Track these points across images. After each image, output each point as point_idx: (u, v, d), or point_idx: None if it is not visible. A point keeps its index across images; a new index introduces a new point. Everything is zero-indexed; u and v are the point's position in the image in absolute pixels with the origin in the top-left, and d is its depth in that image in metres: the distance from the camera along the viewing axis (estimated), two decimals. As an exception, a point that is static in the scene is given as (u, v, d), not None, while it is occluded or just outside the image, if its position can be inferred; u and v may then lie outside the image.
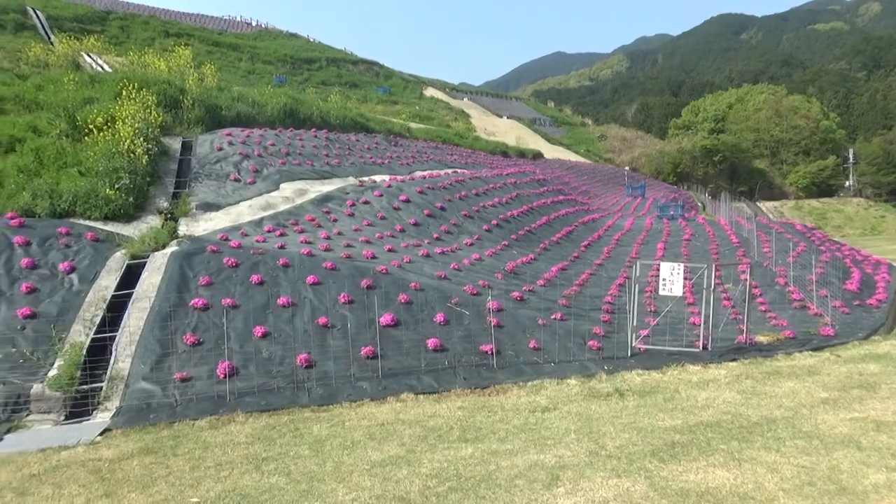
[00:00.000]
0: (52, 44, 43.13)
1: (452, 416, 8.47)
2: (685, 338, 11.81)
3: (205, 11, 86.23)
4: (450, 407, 8.87)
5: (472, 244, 17.82)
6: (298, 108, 30.11)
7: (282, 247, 14.09)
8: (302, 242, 14.84)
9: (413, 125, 43.95)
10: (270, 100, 29.35)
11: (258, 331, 10.80)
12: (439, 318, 11.60)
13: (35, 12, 56.78)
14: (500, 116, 78.98)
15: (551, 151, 62.31)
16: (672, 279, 11.52)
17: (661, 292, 11.88)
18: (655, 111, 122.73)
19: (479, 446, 7.30)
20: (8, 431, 8.55)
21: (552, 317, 12.39)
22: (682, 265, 11.80)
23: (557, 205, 27.65)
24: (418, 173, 24.91)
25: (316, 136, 26.60)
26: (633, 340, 11.31)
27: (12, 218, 13.74)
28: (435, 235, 17.89)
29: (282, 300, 11.70)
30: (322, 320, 11.25)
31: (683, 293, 12.36)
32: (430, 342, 10.80)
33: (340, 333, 11.01)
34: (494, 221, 20.56)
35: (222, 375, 9.69)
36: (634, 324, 11.41)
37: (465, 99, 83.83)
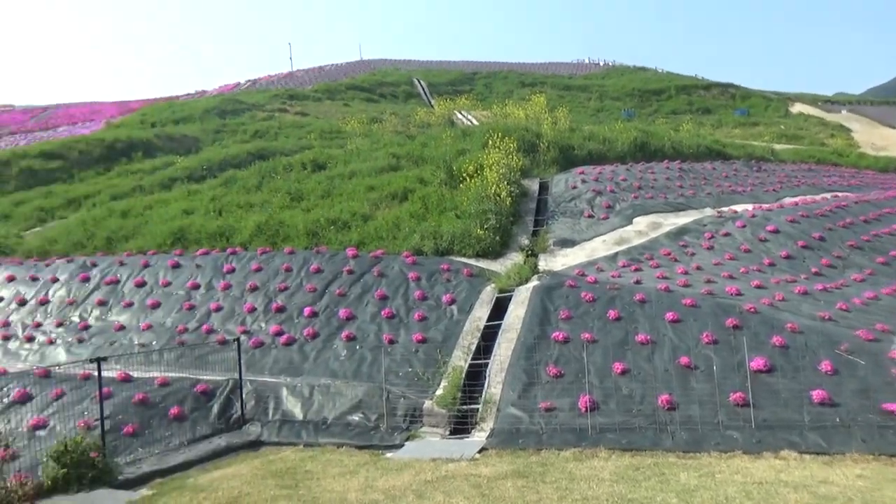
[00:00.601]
0: (432, 107, 50.76)
1: (850, 485, 7.16)
2: None
3: (556, 59, 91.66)
4: (846, 474, 7.52)
5: (863, 280, 15.12)
6: (648, 141, 29.76)
7: (637, 282, 13.90)
8: (658, 277, 14.43)
9: (778, 146, 39.68)
10: (620, 135, 29.64)
11: (617, 367, 10.76)
12: (825, 366, 10.03)
13: (419, 82, 67.74)
14: (894, 127, 66.48)
15: (970, 163, 49.87)
16: None
17: None
18: None
19: (893, 528, 6.01)
20: (407, 439, 10.04)
21: None
22: None
23: (984, 230, 21.85)
24: (787, 200, 22.31)
25: (668, 168, 25.89)
26: None
27: (407, 256, 16.28)
28: (813, 270, 15.68)
29: (640, 337, 11.49)
30: (683, 360, 10.69)
31: None
32: (815, 394, 9.39)
33: (704, 376, 10.30)
34: (893, 252, 17.17)
35: (583, 409, 9.87)
36: None
37: (843, 111, 72.76)
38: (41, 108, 67.87)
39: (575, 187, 22.17)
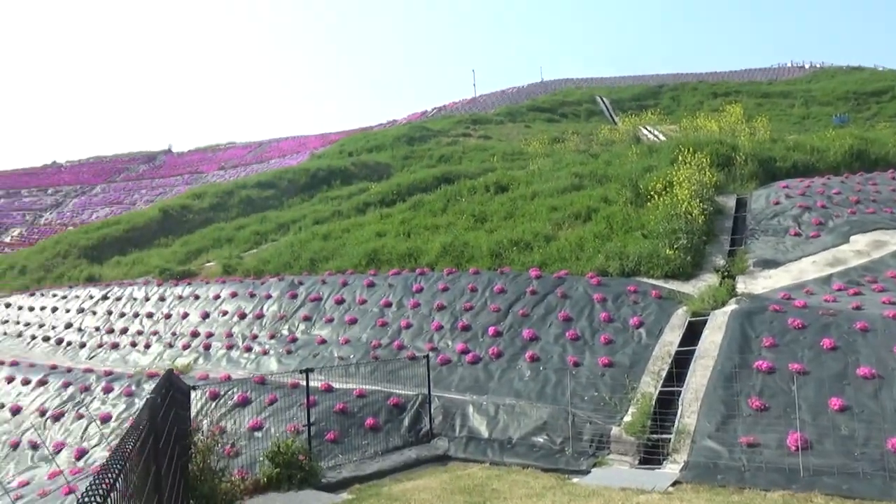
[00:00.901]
0: (615, 123, 49.55)
1: None
2: None
3: (751, 66, 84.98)
4: None
5: None
6: (867, 149, 26.38)
7: (857, 307, 12.32)
8: (884, 303, 12.66)
9: None
10: (832, 143, 26.64)
11: (834, 403, 9.58)
12: None
13: (601, 99, 66.52)
14: None
15: None
16: None
17: None
18: None
19: None
20: (594, 465, 9.74)
21: None
22: None
23: None
24: None
25: (894, 179, 22.78)
26: None
27: (591, 277, 15.93)
28: None
29: (862, 370, 10.14)
30: (920, 399, 9.25)
31: None
32: None
33: (948, 419, 8.82)
34: None
35: (793, 447, 8.91)
36: None
37: None
38: (257, 144, 77.04)
39: (778, 203, 20.29)
